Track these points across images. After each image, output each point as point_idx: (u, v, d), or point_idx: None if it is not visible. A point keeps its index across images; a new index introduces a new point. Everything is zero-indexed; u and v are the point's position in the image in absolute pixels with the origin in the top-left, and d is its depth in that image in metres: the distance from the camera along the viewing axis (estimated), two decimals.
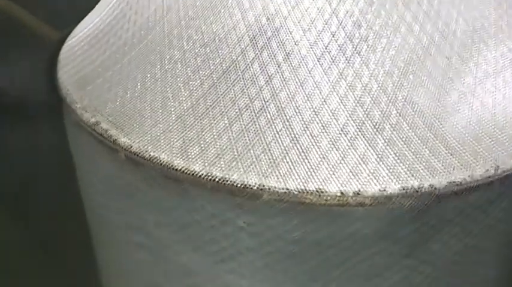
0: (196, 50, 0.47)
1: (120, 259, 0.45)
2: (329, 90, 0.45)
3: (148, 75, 0.47)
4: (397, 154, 0.40)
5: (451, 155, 0.38)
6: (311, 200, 0.37)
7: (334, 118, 0.44)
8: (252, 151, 0.43)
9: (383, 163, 0.40)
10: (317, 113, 0.45)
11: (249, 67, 0.46)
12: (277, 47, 0.46)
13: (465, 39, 0.46)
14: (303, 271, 0.42)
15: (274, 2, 0.46)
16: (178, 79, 0.46)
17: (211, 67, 0.47)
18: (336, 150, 0.43)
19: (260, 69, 0.46)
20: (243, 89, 0.46)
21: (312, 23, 0.46)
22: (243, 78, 0.46)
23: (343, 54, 0.46)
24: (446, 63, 0.45)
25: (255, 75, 0.46)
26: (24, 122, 0.52)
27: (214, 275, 0.42)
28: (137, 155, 0.41)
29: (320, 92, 0.45)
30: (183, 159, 0.40)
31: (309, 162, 0.42)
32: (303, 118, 0.45)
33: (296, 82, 0.46)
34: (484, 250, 0.43)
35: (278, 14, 0.46)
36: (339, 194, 0.36)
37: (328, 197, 0.37)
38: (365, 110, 0.44)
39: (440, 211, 0.38)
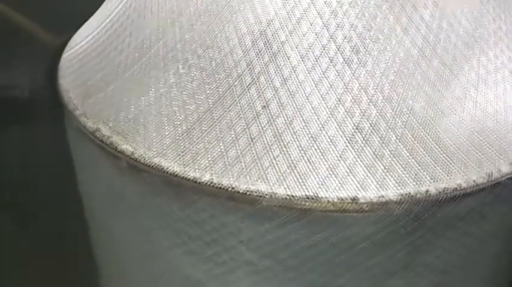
0: (192, 74, 0.46)
1: (120, 266, 0.44)
2: (327, 116, 0.44)
3: (143, 99, 0.45)
4: (397, 178, 0.40)
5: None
6: (310, 206, 0.37)
7: (333, 144, 0.43)
8: (248, 177, 0.42)
9: (383, 188, 0.39)
10: (315, 139, 0.43)
11: (246, 92, 0.45)
12: (275, 72, 0.45)
13: (463, 64, 0.45)
14: (300, 284, 0.41)
15: (271, 27, 0.45)
16: (173, 103, 0.45)
17: (207, 91, 0.45)
18: (335, 177, 0.42)
19: (257, 94, 0.45)
20: (240, 114, 0.45)
21: (310, 48, 0.45)
22: (239, 103, 0.45)
23: (342, 80, 0.45)
24: (442, 89, 0.44)
25: (251, 101, 0.45)
26: (24, 124, 0.51)
27: (216, 285, 0.41)
28: (139, 162, 0.41)
29: (318, 118, 0.44)
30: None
31: (307, 188, 0.41)
32: (300, 144, 0.43)
33: (294, 107, 0.45)
34: (478, 260, 0.42)
35: (276, 39, 0.45)
36: (336, 199, 0.37)
37: (327, 203, 0.37)
38: (364, 136, 0.43)
39: (435, 217, 0.38)
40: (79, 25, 0.54)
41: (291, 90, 0.45)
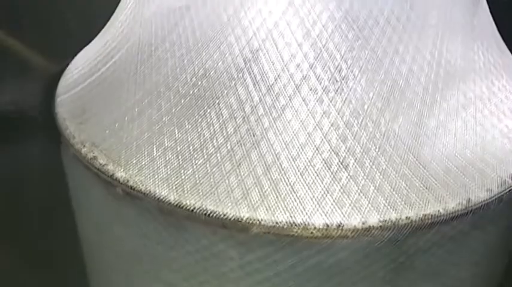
0: (167, 158, 0.41)
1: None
2: (314, 206, 0.39)
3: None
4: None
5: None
6: (298, 233, 0.37)
7: (321, 234, 0.37)
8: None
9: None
10: (303, 230, 0.38)
11: (225, 179, 0.40)
12: (257, 159, 0.41)
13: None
14: None
15: (255, 113, 0.42)
16: (143, 188, 0.40)
17: (183, 177, 0.40)
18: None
19: (237, 182, 0.40)
20: (217, 203, 0.39)
21: (295, 136, 0.41)
22: (217, 191, 0.40)
23: (329, 169, 0.40)
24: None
25: (231, 189, 0.40)
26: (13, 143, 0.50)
27: None
28: (134, 190, 0.40)
29: (304, 209, 0.39)
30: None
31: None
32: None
33: (276, 197, 0.39)
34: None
35: (259, 125, 0.41)
36: (323, 226, 0.37)
37: (314, 230, 0.38)
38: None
39: (415, 243, 0.38)
40: (74, 53, 0.54)
41: (273, 179, 0.40)
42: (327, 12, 0.41)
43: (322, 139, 0.41)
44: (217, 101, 0.42)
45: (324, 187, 0.40)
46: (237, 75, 0.42)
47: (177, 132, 0.42)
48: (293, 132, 0.41)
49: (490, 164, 0.42)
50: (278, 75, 0.42)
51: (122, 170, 0.40)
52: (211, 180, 0.40)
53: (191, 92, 0.43)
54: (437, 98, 0.41)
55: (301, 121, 0.41)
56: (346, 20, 0.40)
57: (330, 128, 0.41)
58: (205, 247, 0.38)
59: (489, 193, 0.41)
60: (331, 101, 0.41)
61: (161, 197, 0.39)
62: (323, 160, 0.40)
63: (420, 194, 0.39)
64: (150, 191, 0.39)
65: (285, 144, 0.41)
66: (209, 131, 0.42)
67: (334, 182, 0.40)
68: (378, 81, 0.41)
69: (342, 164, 0.40)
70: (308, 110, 0.41)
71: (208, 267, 0.37)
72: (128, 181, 0.40)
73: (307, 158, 0.41)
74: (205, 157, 0.41)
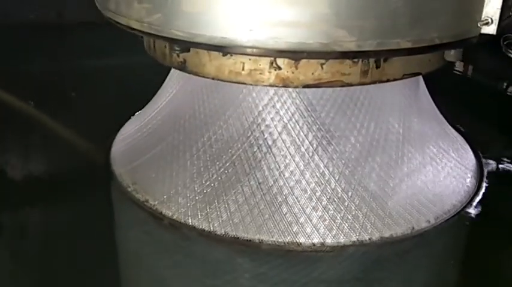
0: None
1: None
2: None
3: None
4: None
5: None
6: (293, 248, 0.50)
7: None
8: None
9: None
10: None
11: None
12: (257, 242, 0.48)
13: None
14: None
15: (257, 208, 0.50)
16: None
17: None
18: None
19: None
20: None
21: (289, 226, 0.49)
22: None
23: (316, 253, 0.48)
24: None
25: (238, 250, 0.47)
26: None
27: None
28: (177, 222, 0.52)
29: None
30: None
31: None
32: None
33: None
34: None
35: (260, 217, 0.50)
36: (309, 244, 0.50)
37: (305, 246, 0.50)
38: None
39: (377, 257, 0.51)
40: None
41: None
42: (311, 132, 0.53)
43: (312, 229, 0.49)
44: (226, 198, 0.51)
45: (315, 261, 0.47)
46: (243, 179, 0.52)
47: (190, 221, 0.51)
48: (288, 223, 0.50)
49: (432, 202, 0.53)
50: (276, 180, 0.52)
51: (167, 208, 0.53)
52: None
53: (205, 191, 0.52)
54: (404, 158, 0.53)
55: (294, 214, 0.50)
56: (326, 138, 0.52)
57: (318, 220, 0.50)
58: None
59: (428, 223, 0.52)
60: (318, 200, 0.51)
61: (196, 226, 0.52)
62: (312, 244, 0.49)
63: (382, 224, 0.51)
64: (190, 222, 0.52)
65: (281, 232, 0.49)
66: (218, 221, 0.50)
67: (320, 260, 0.48)
68: (354, 183, 0.51)
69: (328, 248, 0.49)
70: (300, 206, 0.51)
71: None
72: (172, 215, 0.52)
73: (299, 243, 0.49)
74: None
